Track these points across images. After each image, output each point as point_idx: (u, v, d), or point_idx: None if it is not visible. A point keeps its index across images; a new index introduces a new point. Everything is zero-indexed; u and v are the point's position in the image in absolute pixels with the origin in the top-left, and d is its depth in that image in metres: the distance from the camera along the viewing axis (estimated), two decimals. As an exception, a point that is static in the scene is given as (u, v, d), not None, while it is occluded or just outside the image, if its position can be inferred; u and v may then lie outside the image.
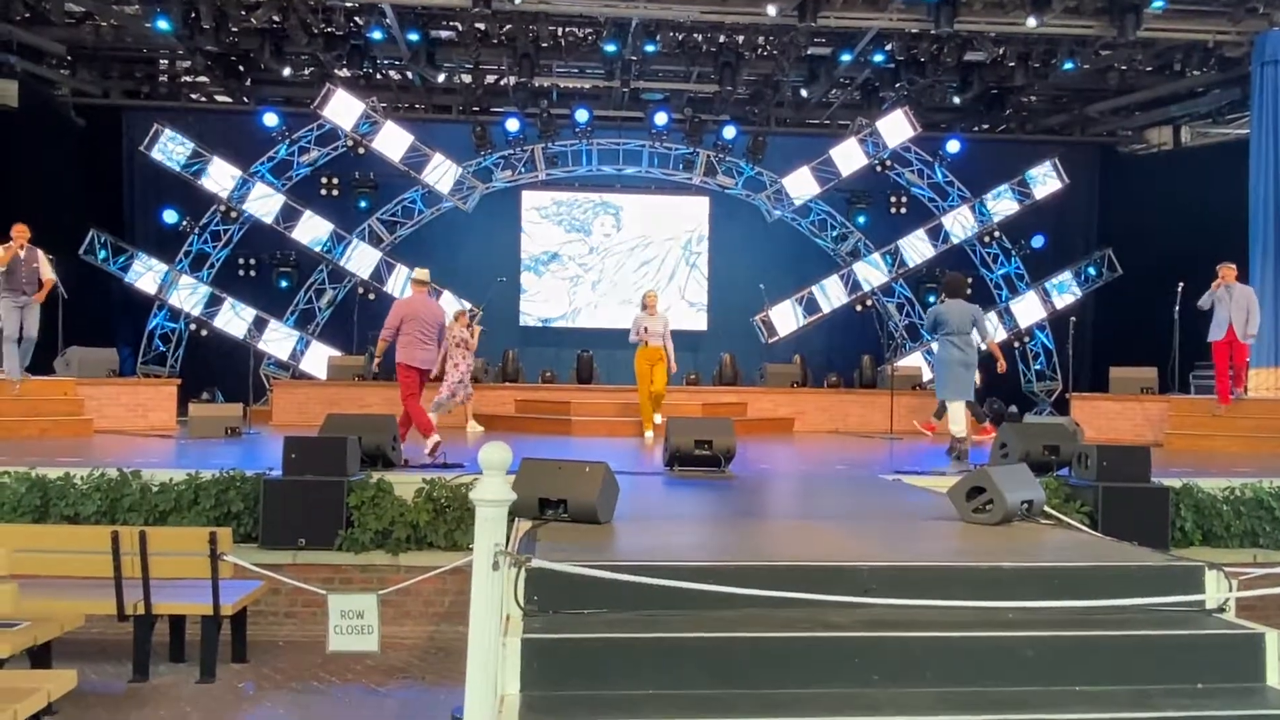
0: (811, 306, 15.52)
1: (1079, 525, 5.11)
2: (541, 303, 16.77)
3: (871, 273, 15.62)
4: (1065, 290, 15.85)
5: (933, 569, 3.37)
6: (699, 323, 17.04)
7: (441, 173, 14.64)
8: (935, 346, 8.74)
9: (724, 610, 3.04)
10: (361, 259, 14.91)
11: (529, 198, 16.85)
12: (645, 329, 9.78)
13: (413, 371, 7.85)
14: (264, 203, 14.49)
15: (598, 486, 4.12)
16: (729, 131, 15.37)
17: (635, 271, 17.07)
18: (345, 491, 5.75)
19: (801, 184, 15.17)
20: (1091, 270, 15.97)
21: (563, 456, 4.43)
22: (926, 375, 15.20)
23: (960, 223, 15.57)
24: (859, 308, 15.74)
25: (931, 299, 16.18)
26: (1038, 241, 16.14)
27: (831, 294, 15.52)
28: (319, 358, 14.39)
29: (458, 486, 5.88)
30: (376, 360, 8.26)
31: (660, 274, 17.03)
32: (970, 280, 16.06)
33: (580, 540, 3.76)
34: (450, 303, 14.65)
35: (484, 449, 2.92)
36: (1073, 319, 12.99)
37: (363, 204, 15.37)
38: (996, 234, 15.63)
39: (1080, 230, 17.31)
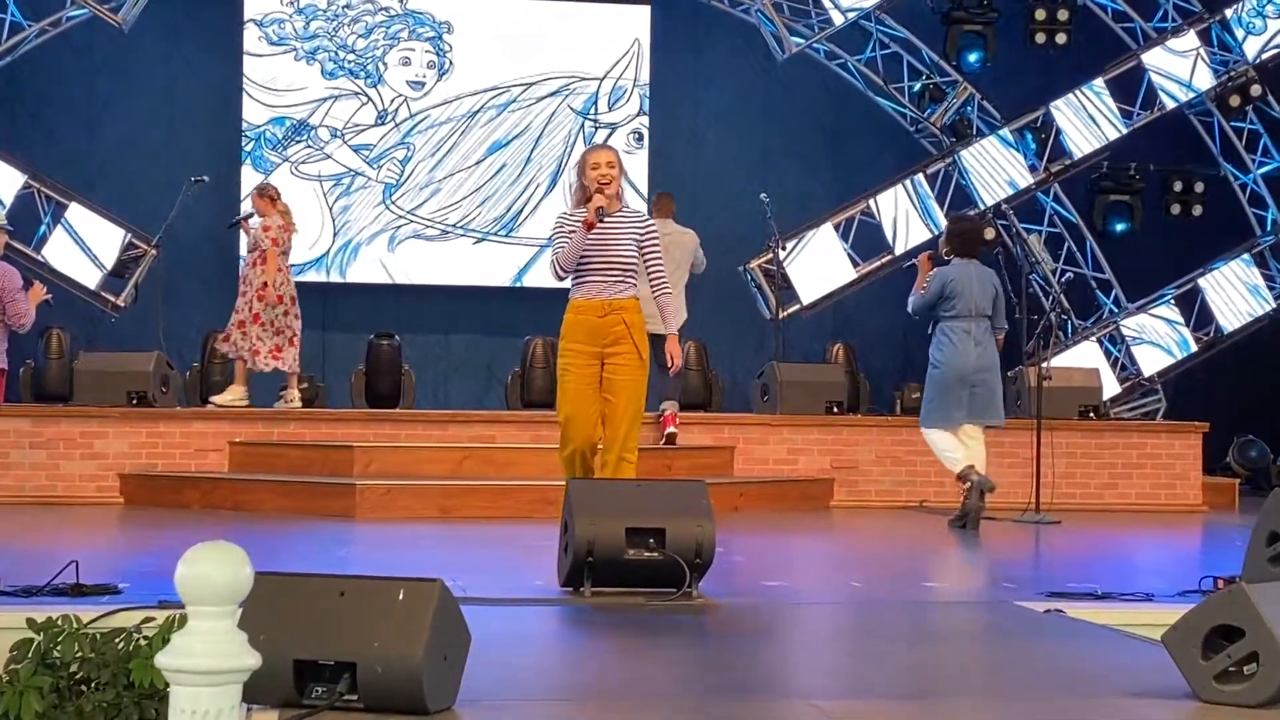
0: (869, 241, 15.74)
1: None
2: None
3: (996, 168, 15.91)
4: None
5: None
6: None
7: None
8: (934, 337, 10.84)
9: None
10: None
11: (256, 2, 16.67)
12: (596, 249, 8.12)
13: None
14: None
15: (423, 633, 4.12)
16: None
17: (481, 165, 17.06)
18: None
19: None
20: None
21: (343, 569, 4.42)
22: (1111, 388, 15.51)
23: (1180, 66, 15.96)
24: (969, 244, 15.99)
25: (1120, 224, 16.56)
26: (1335, 109, 16.65)
27: (916, 213, 15.74)
28: None
29: (109, 637, 5.80)
30: None
31: (536, 169, 17.16)
32: (1176, 190, 16.57)
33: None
34: (62, 250, 14.51)
35: (190, 557, 2.96)
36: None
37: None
38: (1254, 90, 16.07)
39: None
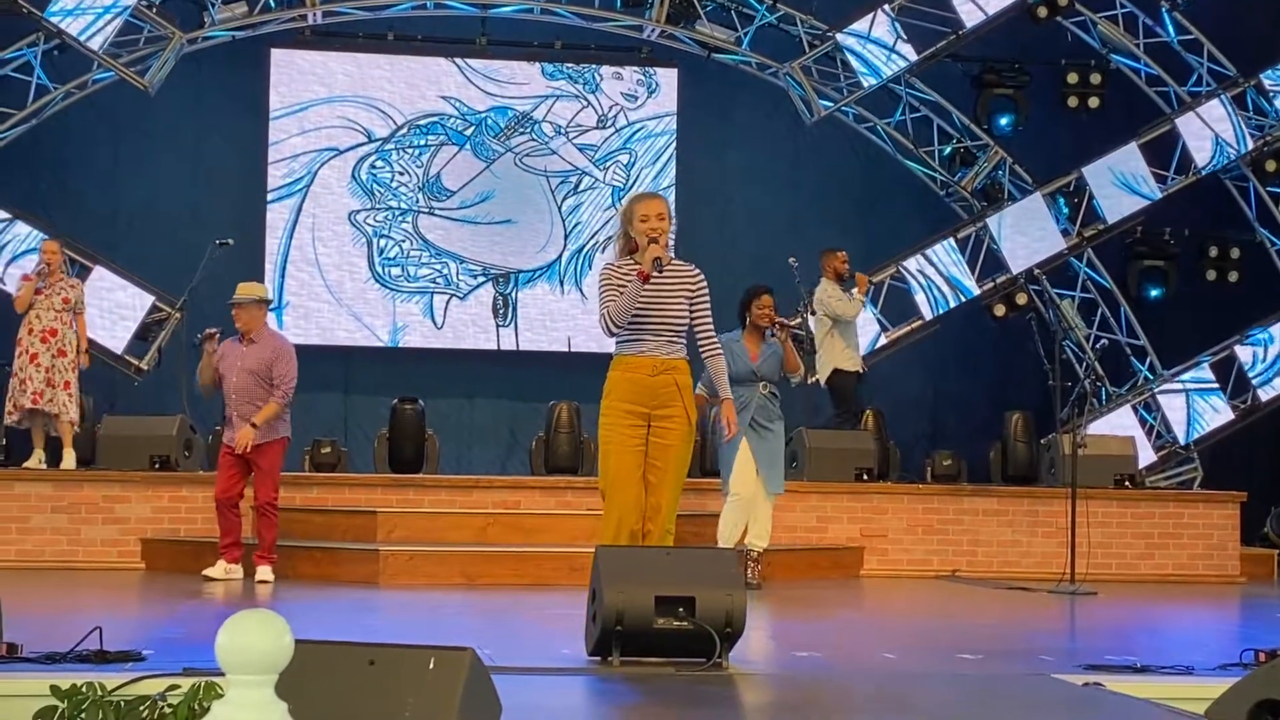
0: (899, 306, 15.74)
1: None
2: (305, 292, 16.81)
3: (1029, 234, 15.90)
4: None
5: None
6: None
7: (90, 6, 14.55)
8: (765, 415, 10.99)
9: None
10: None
11: (283, 63, 16.78)
12: (649, 305, 7.70)
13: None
14: None
15: (454, 703, 4.10)
16: (722, -71, 15.63)
17: (497, 231, 17.05)
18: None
19: (876, 45, 15.47)
20: None
21: (370, 637, 4.42)
22: (1146, 456, 15.43)
23: (1215, 129, 16.00)
24: (1000, 310, 16.11)
25: (1154, 290, 16.51)
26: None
27: (942, 279, 15.74)
28: None
29: (134, 705, 5.80)
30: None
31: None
32: (1211, 255, 16.53)
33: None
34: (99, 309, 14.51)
35: (231, 625, 2.94)
36: None
37: (-87, 72, 15.18)
38: (1292, 155, 16.10)
39: None
